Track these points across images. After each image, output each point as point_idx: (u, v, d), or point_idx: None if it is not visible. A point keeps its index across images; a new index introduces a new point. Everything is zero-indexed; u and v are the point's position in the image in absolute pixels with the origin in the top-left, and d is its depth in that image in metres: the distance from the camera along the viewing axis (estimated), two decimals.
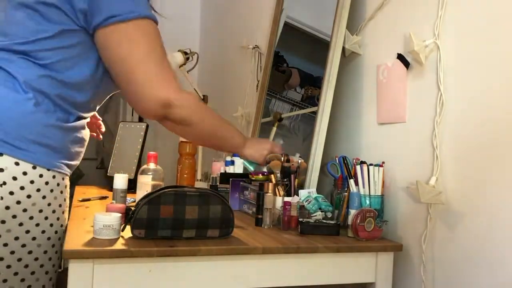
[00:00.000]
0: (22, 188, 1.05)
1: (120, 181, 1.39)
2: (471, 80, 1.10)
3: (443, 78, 1.17)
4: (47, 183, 1.09)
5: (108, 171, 1.99)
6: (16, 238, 1.06)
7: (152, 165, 1.40)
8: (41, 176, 1.08)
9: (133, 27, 1.09)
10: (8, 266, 1.06)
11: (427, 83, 1.22)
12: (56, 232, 1.13)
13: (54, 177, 1.11)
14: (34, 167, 1.07)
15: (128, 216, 1.09)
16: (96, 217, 1.06)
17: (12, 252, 1.06)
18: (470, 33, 1.11)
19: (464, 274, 1.10)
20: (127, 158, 1.95)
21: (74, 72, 1.12)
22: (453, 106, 1.15)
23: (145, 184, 1.37)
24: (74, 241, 1.02)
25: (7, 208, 1.04)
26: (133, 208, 1.13)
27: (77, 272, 0.96)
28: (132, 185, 1.77)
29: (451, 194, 1.14)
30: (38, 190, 1.08)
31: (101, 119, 1.51)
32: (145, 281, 1.01)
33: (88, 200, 1.61)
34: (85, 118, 1.20)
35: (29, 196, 1.06)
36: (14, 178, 1.04)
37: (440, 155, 1.17)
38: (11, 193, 1.04)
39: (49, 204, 1.11)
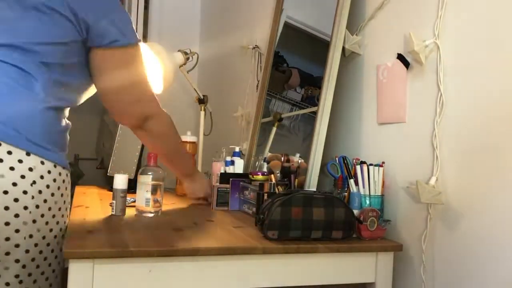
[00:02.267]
0: (47, 186, 1.10)
1: (120, 181, 1.39)
2: (471, 80, 1.10)
3: (443, 78, 1.17)
4: (63, 180, 1.16)
5: (108, 171, 1.99)
6: (44, 237, 1.11)
7: (152, 165, 1.41)
8: (60, 174, 1.14)
9: (135, 51, 1.25)
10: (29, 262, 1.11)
11: (427, 83, 1.22)
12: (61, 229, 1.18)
13: (66, 174, 1.17)
14: (55, 166, 1.13)
15: (258, 218, 1.17)
16: None
17: (36, 245, 1.10)
18: (470, 33, 1.11)
19: (464, 274, 1.10)
20: (127, 158, 1.95)
21: (75, 77, 1.22)
22: (453, 106, 1.15)
23: (145, 184, 1.38)
24: (74, 241, 1.02)
25: (37, 207, 1.09)
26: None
27: (77, 272, 0.96)
28: (132, 185, 1.77)
29: (451, 194, 1.14)
30: (59, 188, 1.14)
31: None
32: (145, 281, 1.01)
33: None
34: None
35: (52, 194, 1.12)
36: (42, 177, 1.09)
37: (440, 155, 1.17)
38: (40, 191, 1.08)
39: (64, 202, 1.17)
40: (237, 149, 1.83)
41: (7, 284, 1.09)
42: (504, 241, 1.01)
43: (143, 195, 1.38)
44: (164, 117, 1.40)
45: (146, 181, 1.38)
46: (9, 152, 1.05)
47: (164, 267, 1.02)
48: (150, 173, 1.39)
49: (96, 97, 1.29)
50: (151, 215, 1.38)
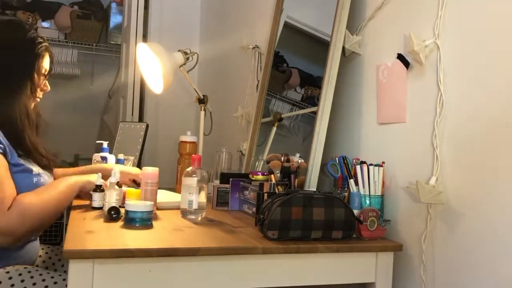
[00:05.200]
0: None
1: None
2: (471, 80, 1.10)
3: (443, 78, 1.17)
4: None
5: None
6: None
7: (196, 168, 1.38)
8: None
9: None
10: None
11: (427, 83, 1.22)
12: None
13: None
14: None
15: (258, 218, 1.16)
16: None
17: None
18: (470, 33, 1.11)
19: (464, 274, 1.10)
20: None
21: None
22: (453, 106, 1.15)
23: (190, 187, 1.36)
24: (74, 241, 1.02)
25: None
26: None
27: (77, 272, 0.96)
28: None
29: (451, 194, 1.14)
30: None
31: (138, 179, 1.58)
32: (145, 281, 1.01)
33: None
34: None
35: None
36: None
37: (440, 155, 1.17)
38: None
39: None
40: (105, 145, 1.81)
41: None
42: (504, 240, 1.00)
43: (187, 197, 1.36)
44: (5, 221, 1.18)
45: (191, 183, 1.36)
46: None
47: (164, 267, 1.02)
48: (194, 175, 1.37)
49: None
50: (194, 217, 1.36)
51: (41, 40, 1.36)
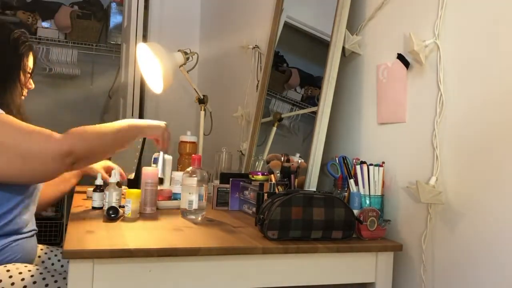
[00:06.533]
0: None
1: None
2: (471, 80, 1.10)
3: (443, 78, 1.17)
4: None
5: None
6: None
7: (196, 168, 1.38)
8: None
9: None
10: None
11: (427, 83, 1.22)
12: None
13: None
14: None
15: (258, 218, 1.16)
16: None
17: None
18: (470, 33, 1.11)
19: (464, 274, 1.10)
20: (127, 158, 1.94)
21: None
22: (453, 106, 1.15)
23: (190, 187, 1.36)
24: (74, 241, 1.02)
25: None
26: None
27: (77, 272, 0.96)
28: (133, 185, 1.77)
29: (451, 194, 1.14)
30: None
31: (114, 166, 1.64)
32: (145, 281, 1.01)
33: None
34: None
35: None
36: None
37: (440, 155, 1.17)
38: None
39: None
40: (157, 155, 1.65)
41: None
42: (504, 240, 1.01)
43: (187, 197, 1.36)
44: (70, 138, 1.21)
45: (191, 183, 1.36)
46: None
47: (164, 267, 1.02)
48: (194, 175, 1.36)
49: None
50: (194, 217, 1.36)
51: (25, 40, 1.38)
